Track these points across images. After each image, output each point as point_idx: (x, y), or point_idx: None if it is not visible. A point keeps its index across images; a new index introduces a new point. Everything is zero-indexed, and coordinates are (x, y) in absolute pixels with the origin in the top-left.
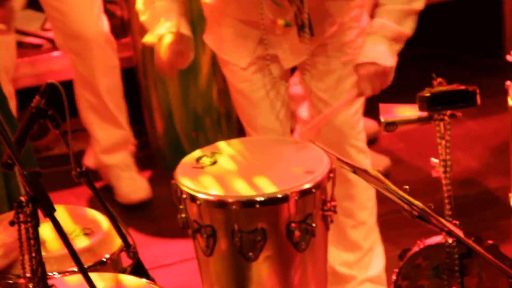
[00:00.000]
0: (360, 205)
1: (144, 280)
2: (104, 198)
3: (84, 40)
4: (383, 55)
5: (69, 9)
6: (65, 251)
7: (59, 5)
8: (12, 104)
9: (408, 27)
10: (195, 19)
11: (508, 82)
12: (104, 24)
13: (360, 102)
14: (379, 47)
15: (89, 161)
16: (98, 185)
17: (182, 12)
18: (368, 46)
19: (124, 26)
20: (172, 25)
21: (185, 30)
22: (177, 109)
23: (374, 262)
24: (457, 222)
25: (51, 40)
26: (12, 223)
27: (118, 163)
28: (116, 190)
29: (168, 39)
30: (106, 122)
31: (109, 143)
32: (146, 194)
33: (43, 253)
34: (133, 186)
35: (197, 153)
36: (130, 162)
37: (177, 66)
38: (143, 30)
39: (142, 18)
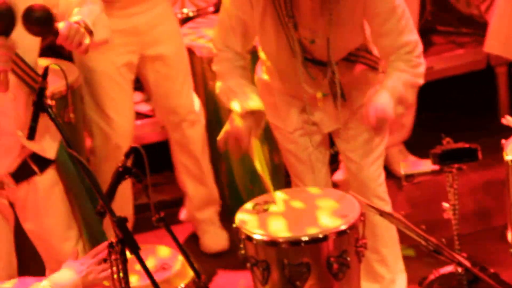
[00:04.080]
0: (383, 243)
1: None
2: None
3: (180, 115)
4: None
5: (169, 91)
6: (148, 282)
7: (160, 90)
8: None
9: (410, 96)
10: None
11: (503, 141)
12: (195, 101)
13: (381, 160)
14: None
15: (183, 215)
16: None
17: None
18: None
19: None
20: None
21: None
22: (237, 166)
23: None
24: (465, 255)
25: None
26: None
27: (206, 219)
28: (201, 241)
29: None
30: (198, 182)
31: (200, 200)
32: (223, 246)
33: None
34: (215, 239)
35: (253, 201)
36: (215, 218)
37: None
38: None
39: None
